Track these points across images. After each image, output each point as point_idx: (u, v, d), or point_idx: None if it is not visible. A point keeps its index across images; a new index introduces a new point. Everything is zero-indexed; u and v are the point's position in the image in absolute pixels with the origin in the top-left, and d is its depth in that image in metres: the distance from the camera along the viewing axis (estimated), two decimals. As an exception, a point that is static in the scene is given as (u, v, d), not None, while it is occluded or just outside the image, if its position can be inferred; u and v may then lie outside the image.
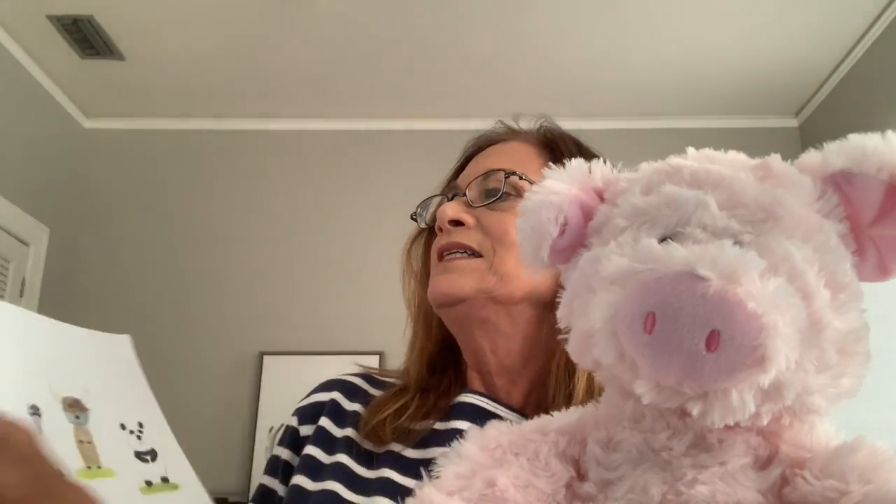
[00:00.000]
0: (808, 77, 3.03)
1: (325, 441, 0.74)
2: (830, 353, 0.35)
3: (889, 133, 0.36)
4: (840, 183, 0.38)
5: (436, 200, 0.86)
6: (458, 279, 0.73)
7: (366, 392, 0.80)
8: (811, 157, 0.40)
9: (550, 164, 0.74)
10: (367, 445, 0.73)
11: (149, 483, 0.56)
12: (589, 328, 0.37)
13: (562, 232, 0.42)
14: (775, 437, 0.37)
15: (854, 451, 0.34)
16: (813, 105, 3.18)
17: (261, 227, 3.24)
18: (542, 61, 2.82)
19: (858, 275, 0.38)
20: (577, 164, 0.44)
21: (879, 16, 2.67)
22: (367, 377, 0.83)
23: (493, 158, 0.81)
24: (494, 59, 2.91)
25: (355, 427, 0.75)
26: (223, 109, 3.30)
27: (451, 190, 0.84)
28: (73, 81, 3.11)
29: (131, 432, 0.57)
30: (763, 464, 0.37)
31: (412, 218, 0.87)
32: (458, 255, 0.75)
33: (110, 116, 3.35)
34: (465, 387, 0.78)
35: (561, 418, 0.43)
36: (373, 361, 2.85)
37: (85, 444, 0.53)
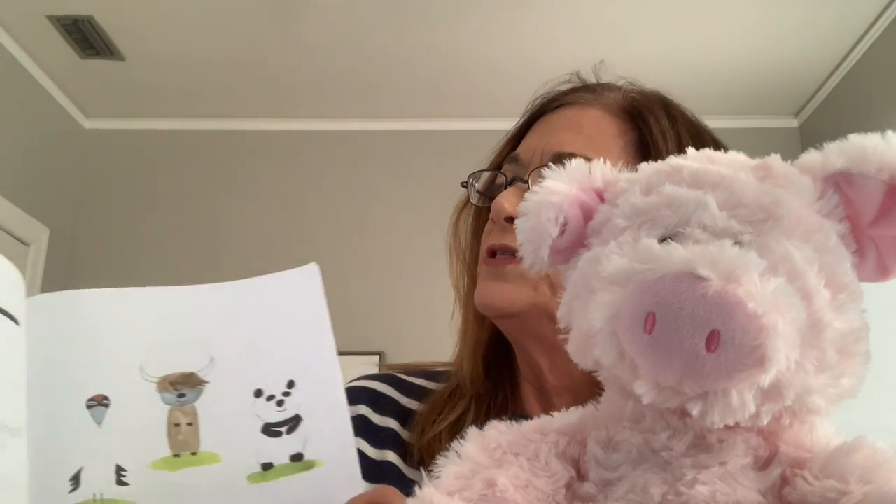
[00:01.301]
0: (808, 77, 3.03)
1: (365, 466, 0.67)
2: (830, 353, 0.35)
3: (889, 133, 0.36)
4: (840, 183, 0.38)
5: (486, 175, 0.76)
6: (509, 291, 0.66)
7: (395, 402, 0.74)
8: (811, 157, 0.40)
9: (635, 147, 0.69)
10: (417, 456, 0.67)
11: (266, 466, 0.49)
12: (589, 328, 0.37)
13: (562, 232, 0.42)
14: (775, 438, 0.37)
15: (854, 451, 0.34)
16: (813, 105, 3.18)
17: (260, 228, 3.24)
18: (543, 61, 2.82)
19: (858, 275, 0.38)
20: (577, 163, 0.44)
21: (879, 16, 2.67)
22: (392, 381, 0.76)
23: (565, 133, 0.70)
24: (495, 59, 2.91)
25: (395, 447, 0.69)
26: (223, 109, 3.30)
27: (510, 161, 0.73)
28: (73, 81, 3.11)
29: (270, 398, 0.50)
30: (763, 464, 0.37)
31: (462, 185, 0.78)
32: (511, 257, 0.67)
33: (110, 116, 3.35)
34: (519, 405, 0.71)
35: (561, 418, 0.43)
36: (373, 361, 2.85)
37: (182, 427, 0.48)
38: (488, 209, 0.73)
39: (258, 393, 0.50)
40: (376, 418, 0.72)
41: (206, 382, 0.49)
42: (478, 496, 0.39)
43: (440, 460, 0.41)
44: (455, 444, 0.42)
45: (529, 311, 0.66)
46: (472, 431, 0.43)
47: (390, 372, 0.79)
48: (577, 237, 0.43)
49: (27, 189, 2.93)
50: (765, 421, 0.36)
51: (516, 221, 0.44)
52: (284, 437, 0.49)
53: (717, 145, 0.72)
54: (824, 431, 0.38)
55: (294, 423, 0.50)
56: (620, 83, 0.76)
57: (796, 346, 0.34)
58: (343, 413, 0.51)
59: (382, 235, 3.21)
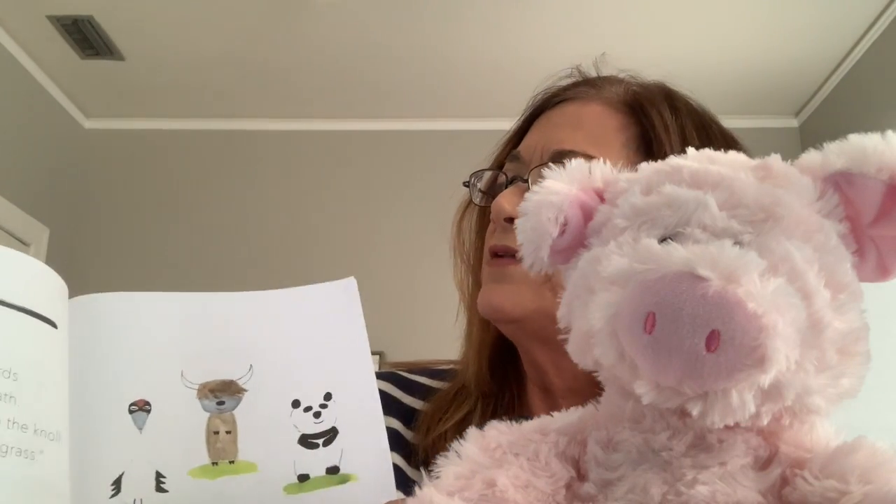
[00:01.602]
0: (808, 77, 3.03)
1: None
2: (830, 353, 0.35)
3: (889, 133, 0.36)
4: (840, 183, 0.38)
5: (488, 174, 0.75)
6: (512, 294, 0.65)
7: (398, 401, 0.74)
8: (811, 157, 0.40)
9: (637, 141, 0.68)
10: (422, 455, 0.66)
11: (303, 477, 0.49)
12: (589, 328, 0.37)
13: (562, 232, 0.42)
14: (775, 438, 0.37)
15: (854, 452, 0.34)
16: (813, 105, 3.18)
17: (260, 228, 3.24)
18: (543, 61, 2.81)
19: (858, 275, 0.38)
20: (577, 163, 0.44)
21: (879, 16, 2.67)
22: (394, 379, 0.76)
23: (565, 130, 0.69)
24: (495, 59, 2.91)
25: (398, 448, 0.68)
26: (223, 109, 3.30)
27: (511, 160, 0.72)
28: (73, 81, 3.11)
29: (307, 409, 0.50)
30: (763, 464, 0.37)
31: (464, 185, 0.77)
32: (511, 258, 0.66)
33: (110, 116, 3.35)
34: (525, 406, 0.71)
35: (561, 418, 0.43)
36: (373, 361, 2.85)
37: (221, 435, 0.48)
38: (489, 209, 0.72)
39: (296, 403, 0.50)
40: None
41: (246, 391, 0.49)
42: (478, 496, 0.39)
43: (440, 460, 0.41)
44: (455, 445, 0.42)
45: (533, 315, 0.65)
46: (472, 431, 0.43)
47: (392, 370, 0.78)
48: (577, 237, 0.43)
49: (27, 189, 2.93)
50: (765, 421, 0.35)
51: (516, 221, 0.44)
52: (321, 448, 0.49)
53: (724, 136, 0.71)
54: (824, 431, 0.38)
55: (331, 435, 0.50)
56: (622, 76, 0.75)
57: (796, 346, 0.34)
58: (379, 428, 0.51)
59: (382, 235, 3.21)
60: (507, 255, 0.67)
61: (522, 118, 0.76)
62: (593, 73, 0.77)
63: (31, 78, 2.99)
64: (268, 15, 2.71)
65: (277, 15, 2.71)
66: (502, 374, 0.73)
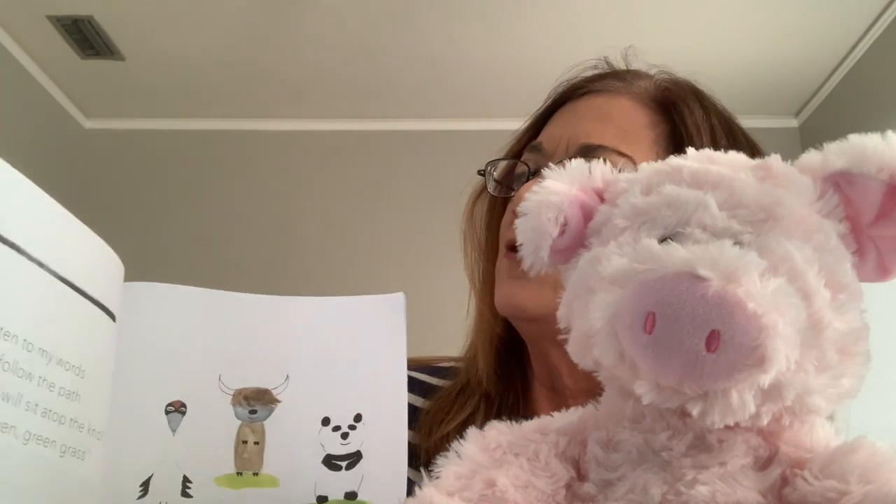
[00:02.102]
0: (808, 77, 3.03)
1: None
2: (830, 353, 0.35)
3: (889, 133, 0.36)
4: (840, 183, 0.38)
5: (504, 164, 0.72)
6: (532, 294, 0.63)
7: None
8: (811, 157, 0.40)
9: (666, 139, 0.66)
10: (424, 457, 0.65)
11: (321, 499, 0.47)
12: (589, 328, 0.37)
13: (562, 232, 0.42)
14: (775, 438, 0.37)
15: (854, 452, 0.34)
16: (813, 105, 3.18)
17: (260, 228, 3.24)
18: (541, 62, 2.82)
19: (858, 275, 0.38)
20: (577, 164, 0.44)
21: (879, 16, 2.67)
22: None
23: (592, 123, 0.67)
24: (495, 60, 2.91)
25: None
26: (223, 109, 3.30)
27: (531, 151, 0.70)
28: (73, 81, 3.11)
29: (336, 429, 0.48)
30: (763, 464, 0.37)
31: (479, 173, 0.74)
32: None
33: (110, 116, 3.35)
34: (530, 407, 0.70)
35: (561, 418, 0.43)
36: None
37: (249, 445, 0.47)
38: (503, 199, 0.71)
39: (326, 421, 0.48)
40: None
41: (279, 402, 0.48)
42: (478, 496, 0.39)
43: (440, 460, 0.41)
44: (455, 444, 0.42)
45: (552, 315, 0.64)
46: (472, 431, 0.43)
47: None
48: (577, 237, 0.43)
49: (27, 189, 2.93)
50: (765, 421, 0.36)
51: (516, 222, 0.44)
52: (343, 472, 0.48)
53: (748, 140, 0.69)
54: (824, 431, 0.38)
55: (355, 459, 0.49)
56: (651, 71, 0.73)
57: (796, 346, 0.34)
58: (401, 459, 0.50)
59: (382, 235, 3.20)
60: None
61: (544, 107, 0.73)
62: (622, 66, 0.75)
63: (31, 78, 2.99)
64: (267, 15, 2.71)
65: (277, 15, 2.71)
66: (508, 372, 0.72)
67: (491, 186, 0.73)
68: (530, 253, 0.43)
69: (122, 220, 3.26)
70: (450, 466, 0.40)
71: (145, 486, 0.46)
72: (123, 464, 0.46)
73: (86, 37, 2.80)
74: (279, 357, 0.49)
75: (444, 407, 0.70)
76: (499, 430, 0.42)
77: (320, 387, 0.49)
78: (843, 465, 0.34)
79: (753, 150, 0.64)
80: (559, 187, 0.43)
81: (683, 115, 0.67)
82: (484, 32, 2.78)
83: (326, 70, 3.02)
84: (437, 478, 0.40)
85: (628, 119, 0.67)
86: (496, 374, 0.71)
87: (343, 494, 0.48)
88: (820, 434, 0.37)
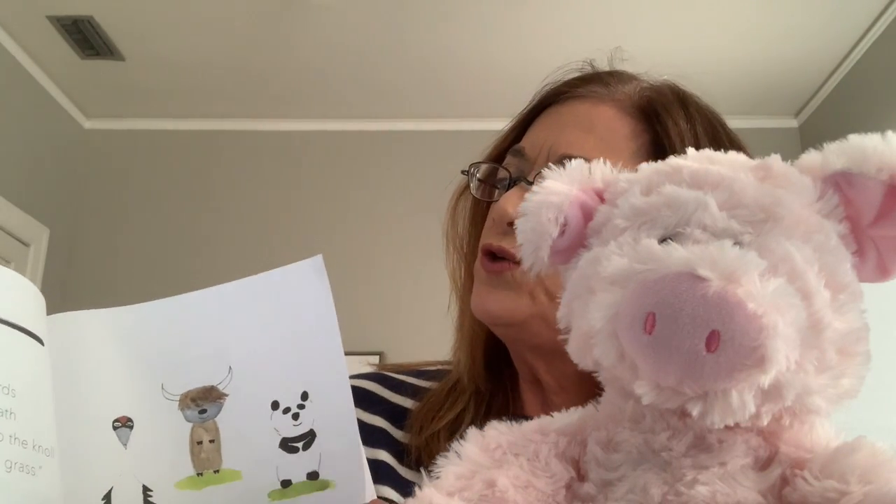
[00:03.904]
0: (808, 77, 3.03)
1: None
2: (830, 353, 0.35)
3: (889, 133, 0.36)
4: (840, 183, 0.38)
5: (487, 165, 0.73)
6: (508, 301, 0.65)
7: (386, 400, 0.73)
8: (811, 157, 0.40)
9: (648, 150, 0.66)
10: (415, 455, 0.66)
11: (286, 483, 0.48)
12: (589, 329, 0.37)
13: (562, 232, 0.42)
14: (775, 438, 0.37)
15: (854, 452, 0.34)
16: (813, 105, 3.18)
17: (260, 228, 3.24)
18: (543, 61, 2.81)
19: (858, 275, 0.38)
20: (577, 164, 0.44)
21: (879, 16, 2.68)
22: (380, 379, 0.75)
23: (574, 132, 0.67)
24: (495, 59, 2.91)
25: (388, 446, 0.68)
26: (223, 110, 3.30)
27: (514, 154, 0.70)
28: (73, 82, 3.11)
29: (286, 410, 0.48)
30: (763, 464, 0.37)
31: (463, 172, 0.75)
32: (509, 263, 0.65)
33: (110, 117, 3.35)
34: (519, 405, 0.71)
35: (561, 419, 0.43)
36: (373, 362, 2.85)
37: (204, 445, 0.48)
38: (486, 202, 0.72)
39: (275, 405, 0.48)
40: (366, 417, 0.71)
41: (226, 395, 0.48)
42: (478, 496, 0.39)
43: (440, 460, 0.41)
44: (455, 445, 0.42)
45: (528, 321, 0.65)
46: (471, 432, 0.43)
47: (379, 371, 0.77)
48: (577, 237, 0.43)
49: (27, 189, 2.93)
50: (765, 421, 0.36)
51: (516, 222, 0.44)
52: (301, 453, 0.48)
53: (732, 141, 0.69)
54: (824, 432, 0.38)
55: (309, 438, 0.48)
56: (634, 73, 0.73)
57: (796, 346, 0.34)
58: (353, 431, 0.49)
59: (382, 236, 3.21)
60: (504, 258, 0.66)
61: (527, 110, 0.74)
62: (606, 69, 0.75)
63: (31, 78, 2.99)
64: (267, 16, 2.71)
65: (277, 16, 2.71)
66: (496, 370, 0.73)
67: (474, 187, 0.74)
68: (530, 253, 0.43)
69: (121, 220, 3.26)
70: (450, 466, 0.40)
71: (107, 499, 0.47)
72: (83, 479, 0.47)
73: (86, 37, 2.81)
74: (218, 351, 0.49)
75: (434, 405, 0.70)
76: (499, 431, 0.42)
77: (263, 371, 0.49)
78: (843, 465, 0.34)
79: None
80: (559, 187, 0.43)
81: (667, 126, 0.67)
82: (480, 33, 2.79)
83: (325, 71, 3.03)
84: (437, 478, 0.40)
85: (609, 129, 0.67)
86: (485, 370, 0.72)
87: (305, 475, 0.48)
88: (820, 434, 0.37)
